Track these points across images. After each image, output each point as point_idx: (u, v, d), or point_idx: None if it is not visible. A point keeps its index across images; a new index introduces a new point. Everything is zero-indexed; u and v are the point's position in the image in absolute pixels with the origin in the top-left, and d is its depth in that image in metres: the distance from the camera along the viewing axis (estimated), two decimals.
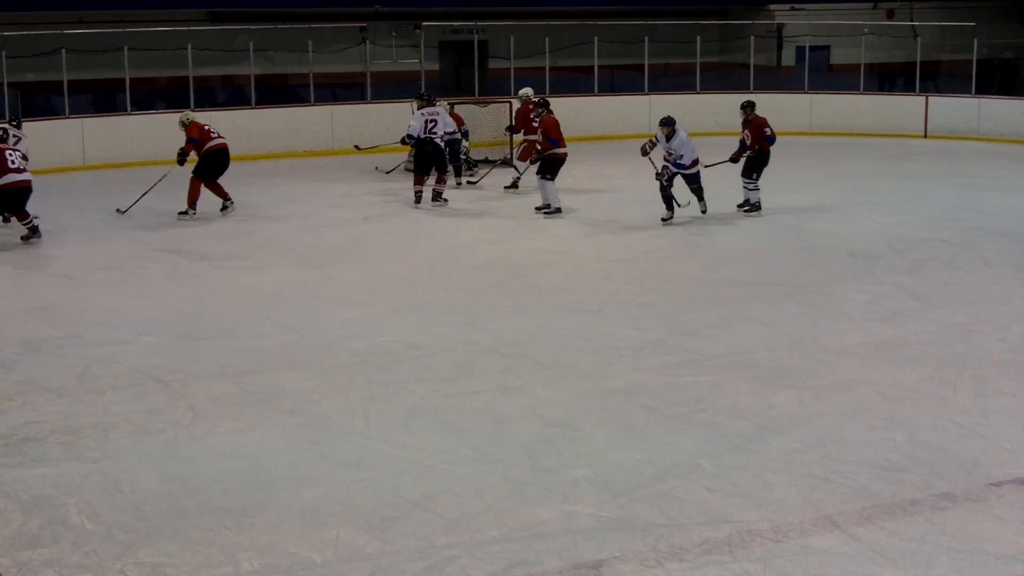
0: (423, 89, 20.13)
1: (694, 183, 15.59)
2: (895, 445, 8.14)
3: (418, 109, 17.57)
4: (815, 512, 7.09)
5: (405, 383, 9.28)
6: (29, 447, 8.02)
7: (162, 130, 21.58)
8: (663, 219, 15.29)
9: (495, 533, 6.75)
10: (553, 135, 16.51)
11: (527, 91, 19.48)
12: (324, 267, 13.35)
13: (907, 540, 6.73)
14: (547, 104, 16.92)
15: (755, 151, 16.01)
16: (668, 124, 15.34)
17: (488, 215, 16.79)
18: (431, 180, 17.07)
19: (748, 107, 16.29)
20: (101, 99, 23.23)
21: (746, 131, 16.14)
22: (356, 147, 19.94)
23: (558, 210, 16.38)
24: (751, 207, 16.20)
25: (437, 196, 17.09)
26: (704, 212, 15.67)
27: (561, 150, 16.47)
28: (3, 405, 8.82)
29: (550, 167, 16.51)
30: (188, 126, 16.16)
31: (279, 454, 7.87)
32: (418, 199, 17.05)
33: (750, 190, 16.20)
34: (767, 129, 16.03)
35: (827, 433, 8.33)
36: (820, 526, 6.92)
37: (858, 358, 9.95)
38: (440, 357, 9.94)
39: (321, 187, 18.81)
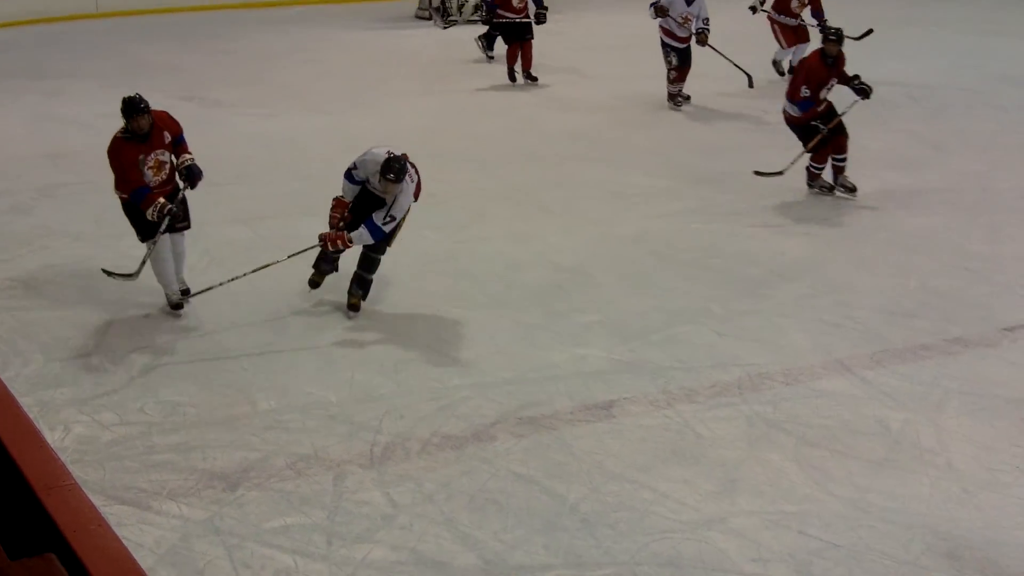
0: None
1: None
2: (907, 291, 8.18)
3: None
4: (826, 356, 7.17)
5: (419, 229, 9.25)
6: (48, 290, 8.11)
7: None
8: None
9: (507, 375, 6.86)
10: None
11: None
12: (337, 114, 13.27)
13: (918, 384, 6.82)
14: None
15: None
16: None
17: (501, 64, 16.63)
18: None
19: None
20: None
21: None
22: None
23: None
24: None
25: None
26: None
27: None
28: (21, 250, 8.89)
29: None
30: None
31: (294, 299, 7.93)
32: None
33: None
34: None
35: (839, 279, 8.38)
36: (831, 370, 7.01)
37: (871, 206, 9.94)
38: (453, 204, 9.94)
39: (333, 33, 18.62)
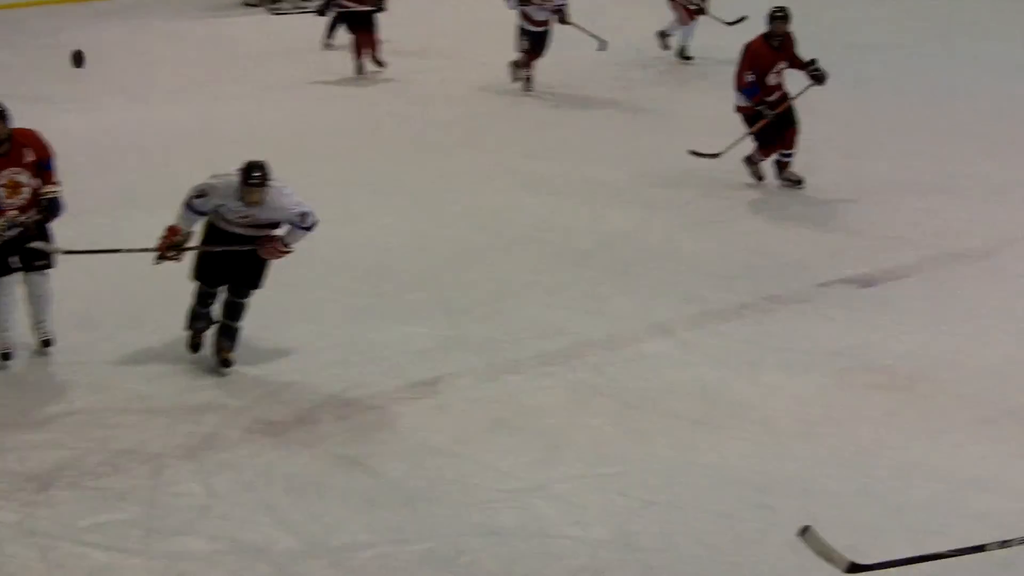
0: None
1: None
2: (727, 253, 8.38)
3: None
4: (647, 320, 7.28)
5: None
6: None
7: None
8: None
9: (332, 357, 6.81)
10: None
11: None
12: (163, 107, 12.95)
13: (736, 342, 6.99)
14: None
15: None
16: None
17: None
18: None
19: None
20: None
21: None
22: None
23: None
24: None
25: None
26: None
27: None
28: None
29: None
30: None
31: (109, 296, 7.63)
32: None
33: None
34: None
35: (663, 246, 8.55)
36: (652, 333, 7.13)
37: (700, 173, 9.96)
38: None
39: (158, 24, 18.20)
